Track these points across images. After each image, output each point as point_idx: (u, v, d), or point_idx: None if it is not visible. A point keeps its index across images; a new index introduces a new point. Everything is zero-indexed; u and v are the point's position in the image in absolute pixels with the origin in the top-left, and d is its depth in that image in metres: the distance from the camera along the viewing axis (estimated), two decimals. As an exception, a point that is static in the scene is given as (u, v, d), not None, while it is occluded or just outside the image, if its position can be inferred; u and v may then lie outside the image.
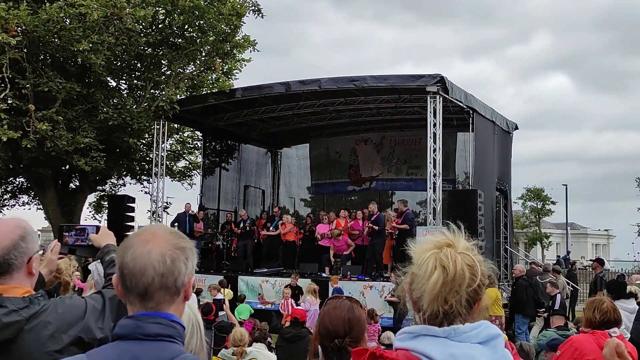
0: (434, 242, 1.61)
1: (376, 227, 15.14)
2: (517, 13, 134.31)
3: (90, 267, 2.97)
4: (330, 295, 11.89)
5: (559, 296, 12.46)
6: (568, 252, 37.40)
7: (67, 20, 15.92)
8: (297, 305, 12.46)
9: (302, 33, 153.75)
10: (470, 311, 1.57)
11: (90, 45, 15.63)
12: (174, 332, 1.53)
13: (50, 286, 2.58)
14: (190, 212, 17.74)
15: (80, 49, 15.40)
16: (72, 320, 2.12)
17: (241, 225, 17.85)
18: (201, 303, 12.28)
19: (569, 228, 44.41)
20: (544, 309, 12.80)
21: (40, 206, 21.35)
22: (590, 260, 23.95)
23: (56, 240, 2.73)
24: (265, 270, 16.59)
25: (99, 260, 2.66)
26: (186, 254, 1.58)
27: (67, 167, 19.71)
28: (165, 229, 1.63)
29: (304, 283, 13.96)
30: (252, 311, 13.68)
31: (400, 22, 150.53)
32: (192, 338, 2.06)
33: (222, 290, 13.53)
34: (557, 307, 11.39)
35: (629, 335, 6.02)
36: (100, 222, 22.81)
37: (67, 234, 2.72)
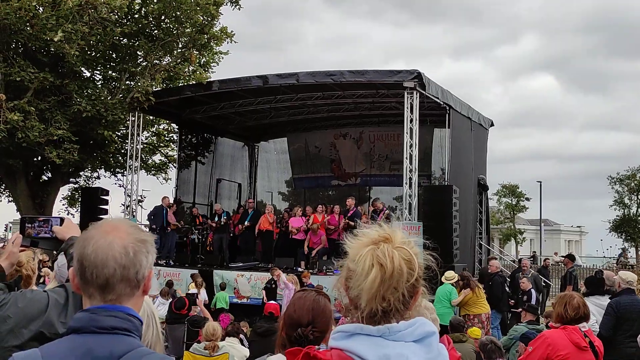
0: (371, 237, 1.57)
1: (352, 223, 15.14)
2: (507, 15, 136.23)
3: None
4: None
5: (533, 292, 12.63)
6: (623, 249, 37.81)
7: (40, 8, 15.59)
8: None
9: (296, 30, 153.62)
10: (408, 306, 1.55)
11: (64, 34, 15.32)
12: (130, 325, 1.52)
13: (10, 279, 2.51)
14: (167, 205, 17.56)
15: (55, 39, 15.09)
16: (33, 315, 2.07)
17: (216, 219, 17.71)
18: (176, 295, 12.21)
19: (542, 224, 45.01)
20: (514, 301, 12.98)
21: (12, 198, 20.95)
22: (562, 256, 24.27)
23: (18, 232, 2.64)
24: (241, 264, 16.50)
25: (62, 253, 2.58)
26: (147, 247, 1.57)
27: (38, 159, 19.36)
28: (126, 222, 1.61)
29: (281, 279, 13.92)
30: (228, 300, 13.61)
31: (393, 21, 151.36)
32: (147, 330, 2.02)
33: (200, 285, 13.47)
34: (533, 302, 11.53)
35: (598, 330, 6.09)
36: (73, 216, 22.49)
37: (29, 225, 2.63)
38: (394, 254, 1.52)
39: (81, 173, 22.26)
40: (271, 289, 13.37)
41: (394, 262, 1.51)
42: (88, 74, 19.28)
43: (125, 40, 18.39)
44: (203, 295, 13.37)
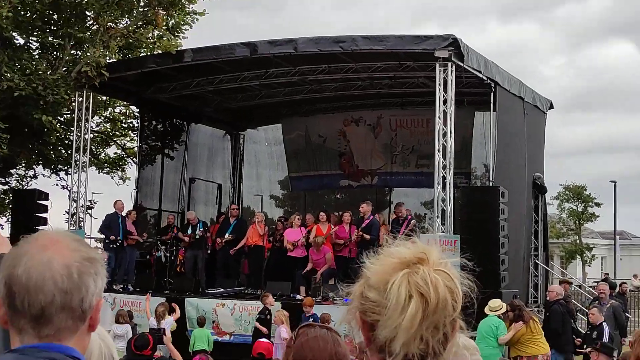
0: (401, 257, 1.51)
1: (367, 236, 15.16)
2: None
3: None
4: (302, 323, 11.90)
5: (605, 326, 12.53)
6: None
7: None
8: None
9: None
10: (446, 346, 1.52)
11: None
12: None
13: None
14: (121, 209, 17.59)
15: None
16: None
17: (189, 231, 17.74)
18: (137, 331, 12.25)
19: (617, 238, 44.85)
20: (580, 339, 12.95)
21: None
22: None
23: None
24: (222, 290, 16.54)
25: None
26: (96, 268, 1.55)
27: (-43, 152, 19.42)
28: (68, 235, 1.60)
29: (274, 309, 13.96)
30: (212, 339, 13.62)
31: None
32: None
33: (169, 314, 13.49)
34: (606, 339, 11.45)
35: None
36: (1, 227, 22.56)
37: None
38: (438, 282, 1.47)
39: (12, 171, 22.32)
40: (266, 321, 13.41)
41: (439, 292, 1.46)
42: (22, 41, 19.34)
43: (70, -4, 18.44)
44: (169, 321, 13.28)
